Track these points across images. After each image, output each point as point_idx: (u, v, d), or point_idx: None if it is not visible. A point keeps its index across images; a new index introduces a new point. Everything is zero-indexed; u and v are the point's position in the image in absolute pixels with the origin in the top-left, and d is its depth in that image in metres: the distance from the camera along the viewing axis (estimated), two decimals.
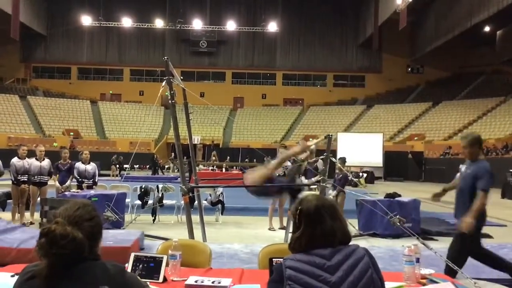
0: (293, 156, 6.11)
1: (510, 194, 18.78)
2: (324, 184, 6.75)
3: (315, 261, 1.93)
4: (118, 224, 8.36)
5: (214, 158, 31.28)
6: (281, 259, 2.02)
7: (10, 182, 9.54)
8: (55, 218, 1.74)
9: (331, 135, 6.91)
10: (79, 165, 10.03)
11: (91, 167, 10.15)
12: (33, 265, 1.77)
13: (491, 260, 5.26)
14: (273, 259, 2.77)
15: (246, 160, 33.02)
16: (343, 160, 10.55)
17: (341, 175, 9.81)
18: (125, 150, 34.11)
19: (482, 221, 5.12)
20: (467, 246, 5.01)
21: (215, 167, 27.34)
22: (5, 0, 36.94)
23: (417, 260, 2.90)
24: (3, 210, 10.29)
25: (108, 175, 25.68)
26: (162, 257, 2.86)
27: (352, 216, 9.37)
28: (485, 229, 9.13)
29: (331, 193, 9.59)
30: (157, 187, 10.50)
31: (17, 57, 46.20)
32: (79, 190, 9.57)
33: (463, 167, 5.41)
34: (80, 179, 9.96)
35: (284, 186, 6.06)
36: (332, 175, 9.97)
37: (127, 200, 10.10)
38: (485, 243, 7.60)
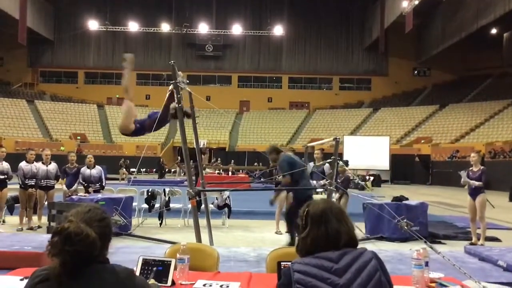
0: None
1: None
2: (331, 187, 6.73)
3: (323, 264, 1.93)
4: (125, 228, 8.37)
5: (213, 161, 31.30)
6: (290, 263, 2.03)
7: (18, 186, 9.57)
8: (67, 218, 1.76)
9: (338, 138, 6.88)
10: (84, 170, 9.95)
11: (96, 171, 10.08)
12: (43, 269, 1.78)
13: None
14: (282, 263, 2.77)
15: (255, 164, 32.98)
16: (345, 162, 10.55)
17: (343, 177, 9.78)
18: (131, 154, 34.18)
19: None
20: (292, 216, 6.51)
21: (221, 170, 27.36)
22: (12, 5, 37.24)
23: (426, 264, 2.89)
24: (11, 214, 10.33)
25: (115, 179, 25.73)
26: (171, 261, 2.86)
27: (359, 219, 9.35)
28: (493, 233, 9.16)
29: (333, 196, 9.56)
30: (164, 190, 10.49)
31: (24, 62, 46.48)
32: (86, 194, 9.58)
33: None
34: (86, 184, 9.93)
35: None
36: (336, 178, 9.99)
37: (134, 203, 10.10)
38: (494, 246, 7.57)
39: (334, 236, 1.99)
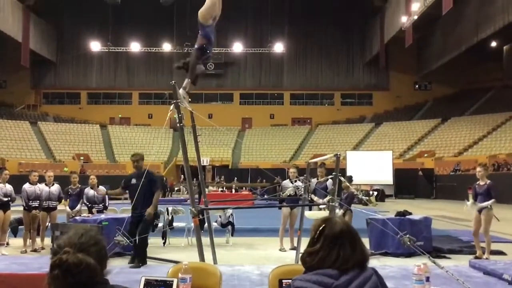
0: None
1: None
2: (333, 203, 6.73)
3: (323, 281, 1.94)
4: (129, 248, 8.35)
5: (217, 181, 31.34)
6: (291, 280, 2.03)
7: (21, 208, 9.58)
8: (62, 249, 1.73)
9: (339, 154, 6.90)
10: (87, 190, 9.96)
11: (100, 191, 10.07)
12: None
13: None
14: (283, 281, 2.77)
15: (258, 180, 32.93)
16: (349, 178, 10.51)
17: (347, 194, 9.76)
18: None
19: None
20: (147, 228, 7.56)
21: (224, 188, 27.36)
22: (15, 28, 37.69)
23: (427, 279, 2.89)
24: (15, 236, 10.32)
25: (118, 199, 25.64)
26: (173, 281, 2.87)
27: (363, 235, 9.27)
28: (498, 246, 9.11)
29: (337, 212, 9.53)
30: (167, 209, 10.48)
31: (27, 84, 46.81)
32: (89, 215, 9.57)
33: (133, 180, 7.77)
34: (89, 205, 9.92)
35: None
36: (339, 194, 9.95)
37: None
38: (498, 260, 7.54)
39: (342, 262, 1.96)
